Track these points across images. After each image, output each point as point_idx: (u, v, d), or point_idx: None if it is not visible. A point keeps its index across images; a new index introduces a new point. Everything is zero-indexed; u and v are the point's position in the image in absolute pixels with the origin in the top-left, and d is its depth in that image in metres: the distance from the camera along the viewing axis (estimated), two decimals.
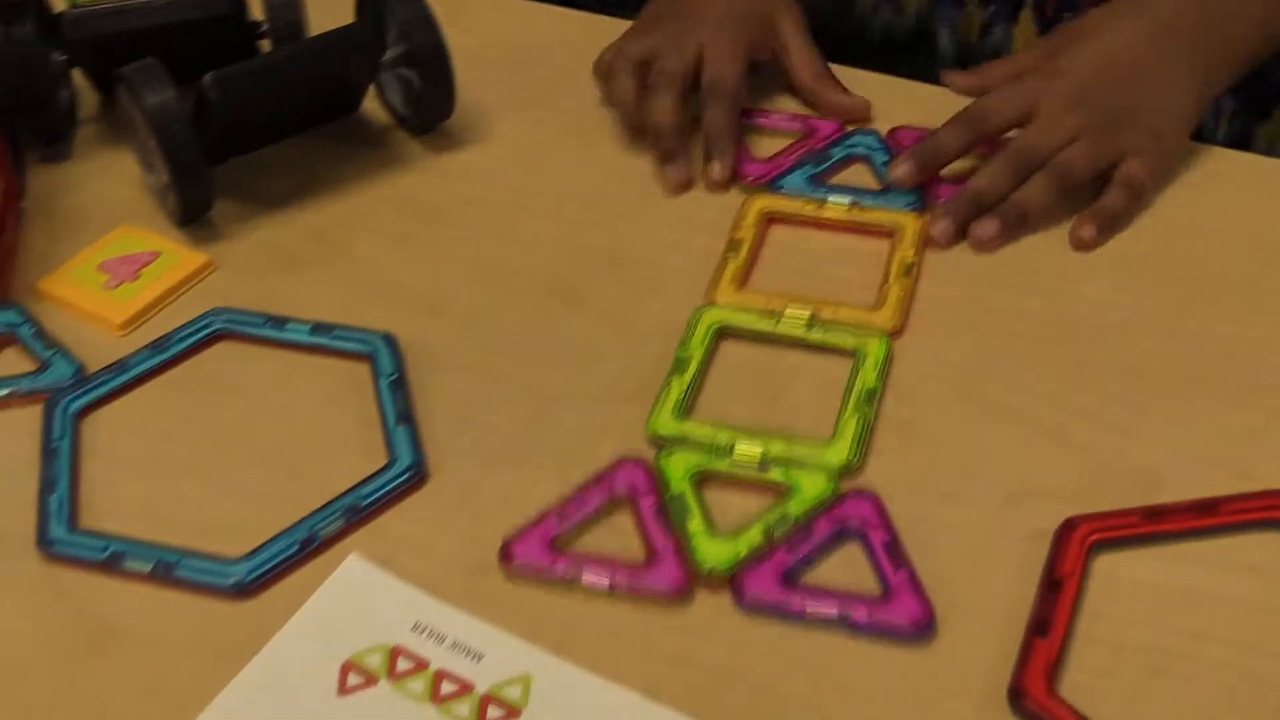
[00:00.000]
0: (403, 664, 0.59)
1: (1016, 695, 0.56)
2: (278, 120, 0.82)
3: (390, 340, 0.72)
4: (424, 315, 0.75)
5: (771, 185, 0.82)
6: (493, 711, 0.57)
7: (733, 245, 0.78)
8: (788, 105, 0.89)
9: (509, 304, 0.76)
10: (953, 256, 0.77)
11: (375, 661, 0.59)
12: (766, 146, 0.86)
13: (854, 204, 0.80)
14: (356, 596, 0.61)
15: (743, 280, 0.76)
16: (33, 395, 0.71)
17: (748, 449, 0.66)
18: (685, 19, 0.86)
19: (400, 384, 0.70)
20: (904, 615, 0.59)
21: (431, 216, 0.82)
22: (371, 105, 0.88)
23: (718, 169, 0.81)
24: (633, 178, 0.83)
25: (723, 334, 0.73)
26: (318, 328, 0.73)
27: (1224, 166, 0.82)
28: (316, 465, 0.67)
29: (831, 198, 0.80)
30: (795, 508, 0.64)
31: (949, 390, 0.70)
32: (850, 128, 0.86)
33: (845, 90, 0.87)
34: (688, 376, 0.70)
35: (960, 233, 0.77)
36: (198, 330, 0.74)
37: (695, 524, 0.63)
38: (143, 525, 0.64)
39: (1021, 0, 0.97)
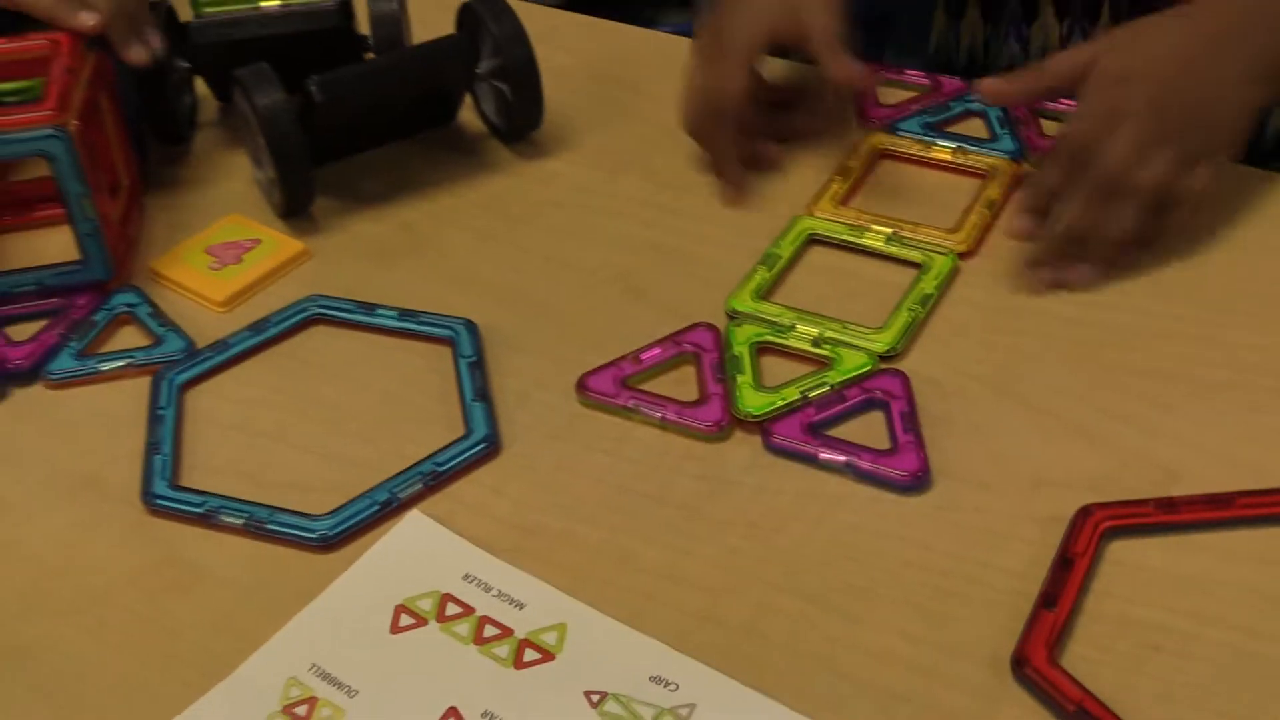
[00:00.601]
0: (451, 609, 0.64)
1: (1019, 663, 0.60)
2: (378, 124, 0.89)
3: (471, 325, 0.77)
4: (500, 303, 0.80)
5: (890, 127, 0.91)
6: (529, 654, 0.62)
7: (842, 170, 0.88)
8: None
9: (577, 295, 0.81)
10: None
11: (426, 605, 0.64)
12: (894, 96, 0.93)
13: (958, 148, 0.89)
14: (415, 548, 0.67)
15: (843, 200, 0.86)
16: (147, 367, 0.78)
17: (806, 328, 0.76)
18: (717, 41, 0.87)
19: (478, 365, 0.75)
20: (904, 467, 0.68)
21: (514, 216, 0.88)
22: (467, 116, 0.94)
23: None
24: (702, 187, 0.88)
25: (813, 240, 0.83)
26: (405, 314, 0.79)
27: (1262, 184, 0.85)
28: (397, 436, 0.73)
29: (940, 141, 0.90)
30: (833, 376, 0.73)
31: (985, 385, 0.73)
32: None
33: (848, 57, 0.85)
34: (773, 268, 0.81)
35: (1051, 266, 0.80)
36: (294, 314, 0.80)
37: (744, 378, 0.73)
38: (236, 485, 0.70)
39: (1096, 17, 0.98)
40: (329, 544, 0.67)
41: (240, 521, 0.68)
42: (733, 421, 0.72)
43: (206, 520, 0.68)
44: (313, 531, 0.67)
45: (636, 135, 0.94)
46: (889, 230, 0.82)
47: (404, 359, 0.78)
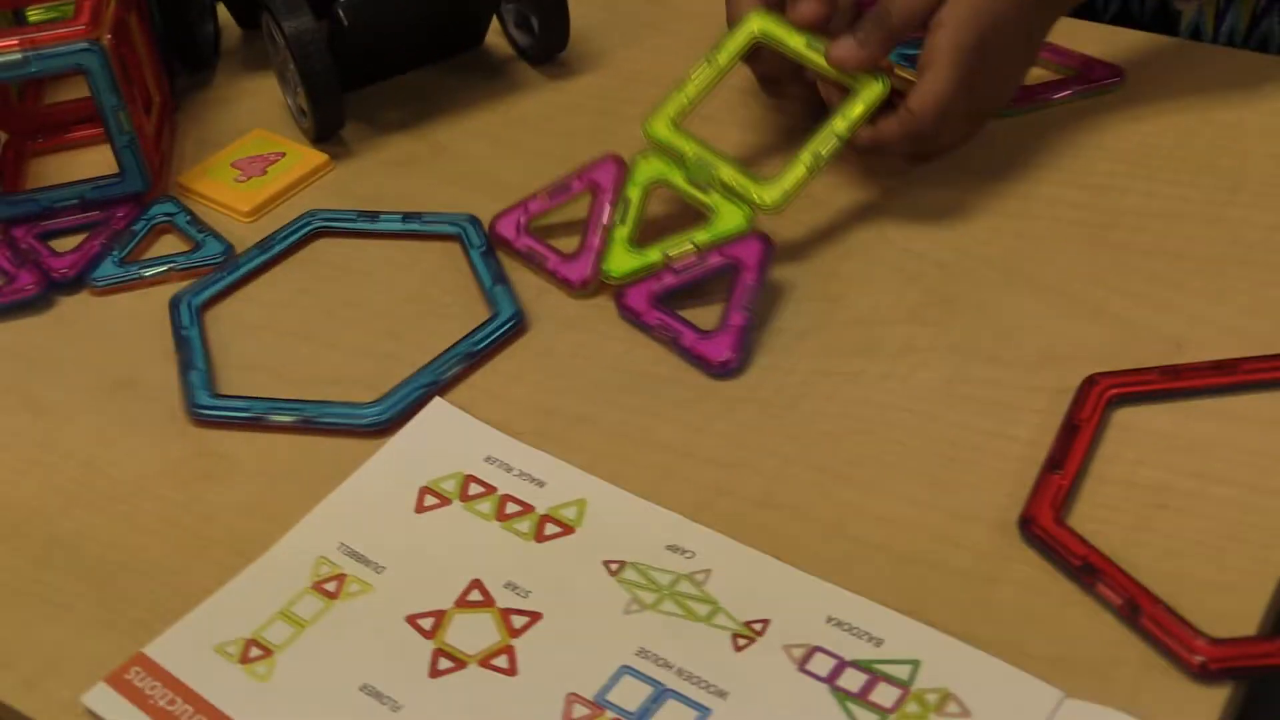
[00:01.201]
0: (473, 489, 0.66)
1: (1026, 522, 0.61)
2: (407, 48, 0.90)
3: (474, 220, 0.79)
4: (511, 201, 0.81)
5: None
6: (549, 528, 0.64)
7: None
8: None
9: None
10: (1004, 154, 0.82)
11: (450, 486, 0.66)
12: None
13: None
14: (437, 433, 0.69)
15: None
16: (189, 270, 0.80)
17: (701, 167, 0.74)
18: None
19: (491, 253, 0.77)
20: (715, 353, 0.69)
21: (533, 125, 0.89)
22: (494, 39, 0.95)
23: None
24: (722, 90, 0.89)
25: (759, 48, 0.77)
26: (409, 216, 0.81)
27: (1269, 68, 0.85)
28: (421, 329, 0.74)
29: None
30: (701, 236, 0.72)
31: (994, 268, 0.75)
32: None
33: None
34: (698, 82, 0.76)
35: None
36: (297, 229, 0.81)
37: (622, 229, 0.74)
38: (273, 386, 0.72)
39: None
40: (381, 428, 0.69)
41: (291, 419, 0.70)
42: (599, 283, 0.74)
43: (257, 423, 0.70)
44: (364, 418, 0.69)
45: (666, 49, 0.94)
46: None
47: (416, 258, 0.80)
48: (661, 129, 0.76)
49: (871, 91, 0.73)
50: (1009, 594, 0.59)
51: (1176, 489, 0.62)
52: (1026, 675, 0.55)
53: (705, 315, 0.72)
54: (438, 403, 0.70)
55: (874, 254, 0.77)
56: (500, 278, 0.75)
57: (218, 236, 0.81)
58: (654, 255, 0.73)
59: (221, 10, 0.98)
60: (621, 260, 0.73)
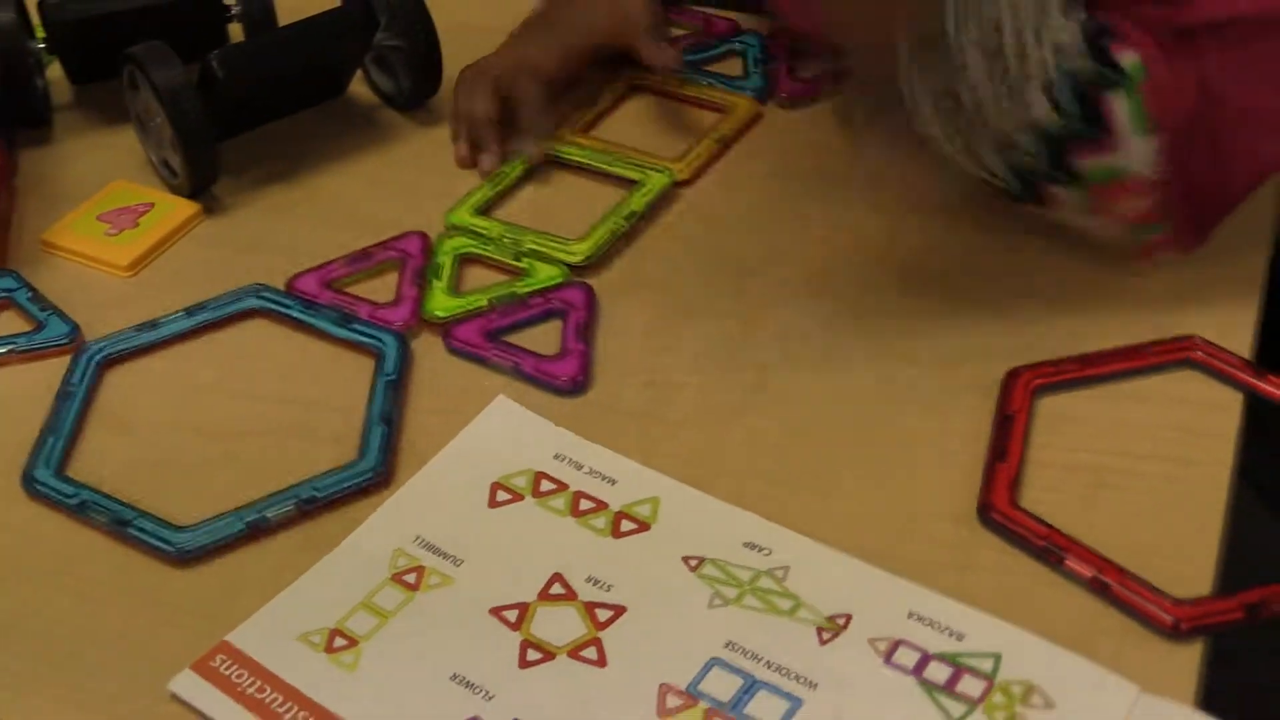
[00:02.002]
0: (545, 485, 0.67)
1: (985, 510, 0.64)
2: (276, 97, 0.88)
3: (402, 341, 0.74)
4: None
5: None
6: (625, 525, 0.65)
7: (590, 99, 0.92)
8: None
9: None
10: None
11: (521, 482, 0.67)
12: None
13: (708, 84, 0.92)
14: (503, 431, 0.69)
15: (587, 129, 0.90)
16: (30, 353, 0.75)
17: (509, 241, 0.79)
18: (533, 28, 0.92)
19: (397, 384, 0.71)
20: (564, 371, 0.72)
21: (410, 164, 0.89)
22: (355, 88, 0.94)
23: (524, 141, 0.86)
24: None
25: (551, 159, 0.87)
26: (344, 318, 0.76)
27: None
28: (297, 438, 0.70)
29: (694, 78, 0.93)
30: (522, 286, 0.77)
31: (890, 272, 0.78)
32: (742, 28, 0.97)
33: (663, 42, 0.92)
34: (497, 186, 0.84)
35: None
36: (233, 302, 0.77)
37: (439, 283, 0.77)
38: (129, 463, 0.69)
39: None
40: (184, 558, 0.64)
41: (104, 520, 0.65)
42: (422, 323, 0.75)
43: (75, 515, 0.66)
44: (170, 544, 0.64)
45: None
46: (615, 152, 0.86)
47: (344, 362, 0.75)
48: (463, 217, 0.82)
49: (658, 181, 0.83)
50: (983, 579, 0.62)
51: (1111, 468, 0.66)
52: (1104, 670, 0.57)
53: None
54: (502, 400, 0.71)
55: (778, 269, 0.79)
56: (386, 417, 0.69)
57: (62, 315, 0.77)
58: (477, 300, 0.76)
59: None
60: (443, 303, 0.76)
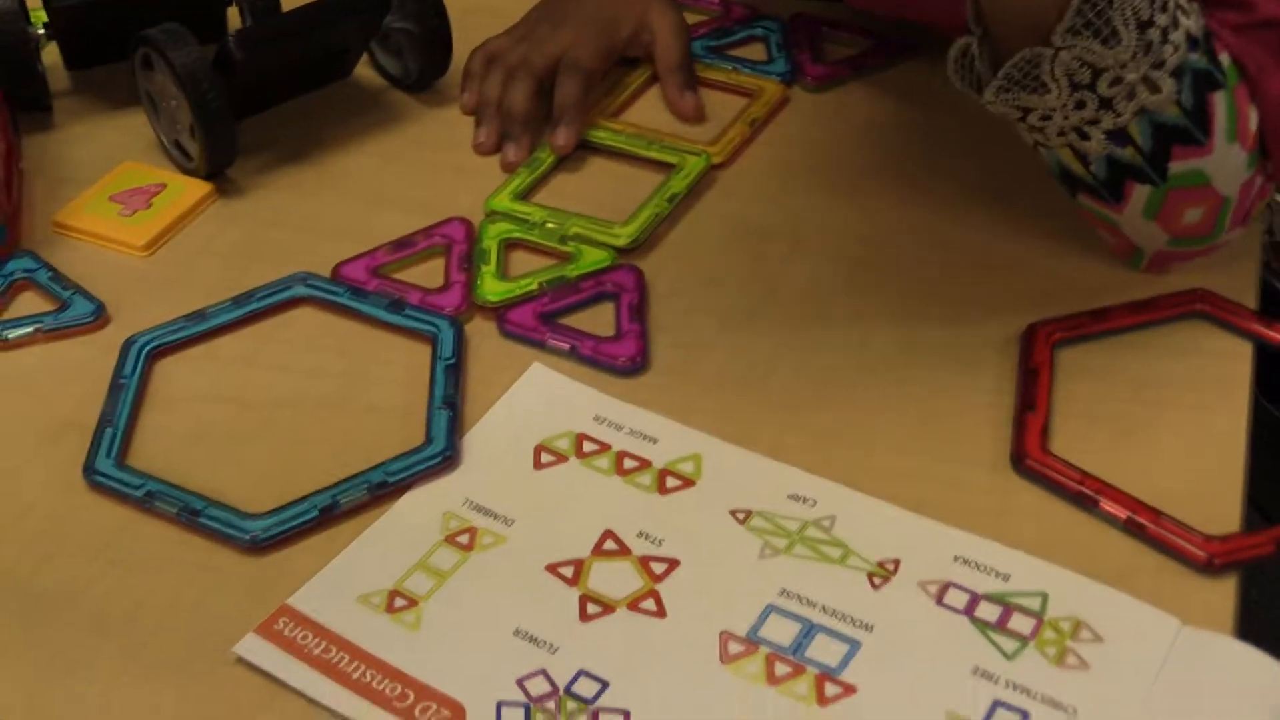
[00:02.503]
0: (588, 446, 0.68)
1: (1019, 458, 0.66)
2: (289, 80, 0.88)
3: (456, 325, 0.74)
4: (417, 214, 0.82)
5: None
6: (670, 481, 0.66)
7: (618, 86, 0.92)
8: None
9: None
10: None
11: (564, 444, 0.68)
12: (689, 19, 0.96)
13: (733, 69, 0.93)
14: (541, 396, 0.71)
15: (615, 114, 0.90)
16: (57, 331, 0.75)
17: (553, 225, 0.80)
18: (556, 21, 0.91)
19: (455, 367, 0.72)
20: (623, 353, 0.72)
21: (426, 142, 0.89)
22: (361, 71, 0.94)
23: (562, 135, 0.86)
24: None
25: (581, 145, 0.87)
26: (395, 305, 0.75)
27: None
28: (359, 427, 0.70)
29: (718, 63, 0.94)
30: (571, 270, 0.77)
31: (911, 236, 0.80)
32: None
33: (689, 90, 0.90)
34: (535, 170, 0.85)
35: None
36: (279, 290, 0.77)
37: (488, 268, 0.77)
38: (187, 456, 0.69)
39: None
40: (258, 546, 0.64)
41: (173, 510, 0.65)
42: (473, 308, 0.76)
43: (141, 506, 0.66)
44: (244, 532, 0.64)
45: None
46: (649, 135, 0.87)
47: (393, 347, 0.75)
48: (504, 202, 0.82)
49: (696, 164, 0.84)
50: (1021, 524, 0.64)
51: (1134, 416, 0.69)
52: (1146, 605, 0.59)
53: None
54: (538, 367, 0.72)
55: (800, 236, 0.81)
56: (449, 401, 0.70)
57: (86, 294, 0.77)
58: (528, 284, 0.76)
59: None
60: (494, 287, 0.76)
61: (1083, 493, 0.64)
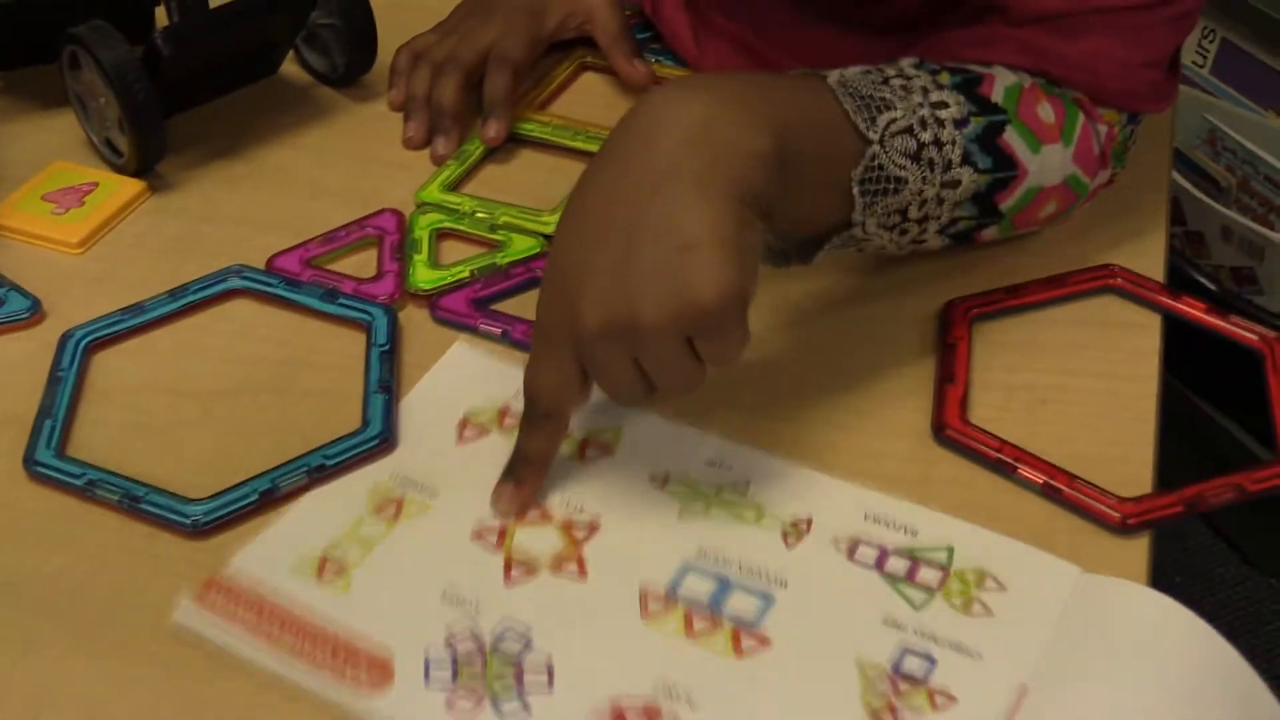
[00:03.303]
0: (509, 421, 0.70)
1: (939, 428, 0.69)
2: (217, 76, 0.89)
3: (389, 312, 0.75)
4: (350, 205, 0.83)
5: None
6: (591, 452, 0.69)
7: (546, 77, 0.94)
8: None
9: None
10: None
11: (486, 419, 0.70)
12: None
13: (656, 62, 0.95)
14: (464, 372, 0.73)
15: (544, 105, 0.93)
16: None
17: (483, 214, 0.82)
18: (484, 14, 0.92)
19: (390, 353, 0.73)
20: None
21: (354, 134, 0.91)
22: (286, 67, 0.95)
23: (492, 128, 0.87)
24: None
25: (511, 138, 0.89)
26: (329, 294, 0.76)
27: None
28: (295, 411, 0.73)
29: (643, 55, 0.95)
30: (502, 258, 0.79)
31: None
32: None
33: (636, 58, 0.93)
34: (464, 162, 0.86)
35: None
36: (214, 283, 0.77)
37: (420, 257, 0.79)
38: (129, 446, 0.69)
39: None
40: (200, 530, 0.65)
41: (115, 497, 0.66)
42: (406, 296, 0.77)
43: (83, 494, 0.66)
44: (186, 516, 0.65)
45: None
46: (577, 128, 0.89)
47: (329, 334, 0.76)
48: (434, 194, 0.84)
49: None
50: (942, 491, 0.66)
51: (1049, 386, 0.72)
52: (1047, 554, 0.63)
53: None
54: (460, 345, 0.74)
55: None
56: (385, 385, 0.71)
57: (21, 291, 0.77)
58: (460, 271, 0.78)
59: None
60: (426, 275, 0.78)
61: (1001, 460, 0.67)
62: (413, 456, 0.68)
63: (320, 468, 0.67)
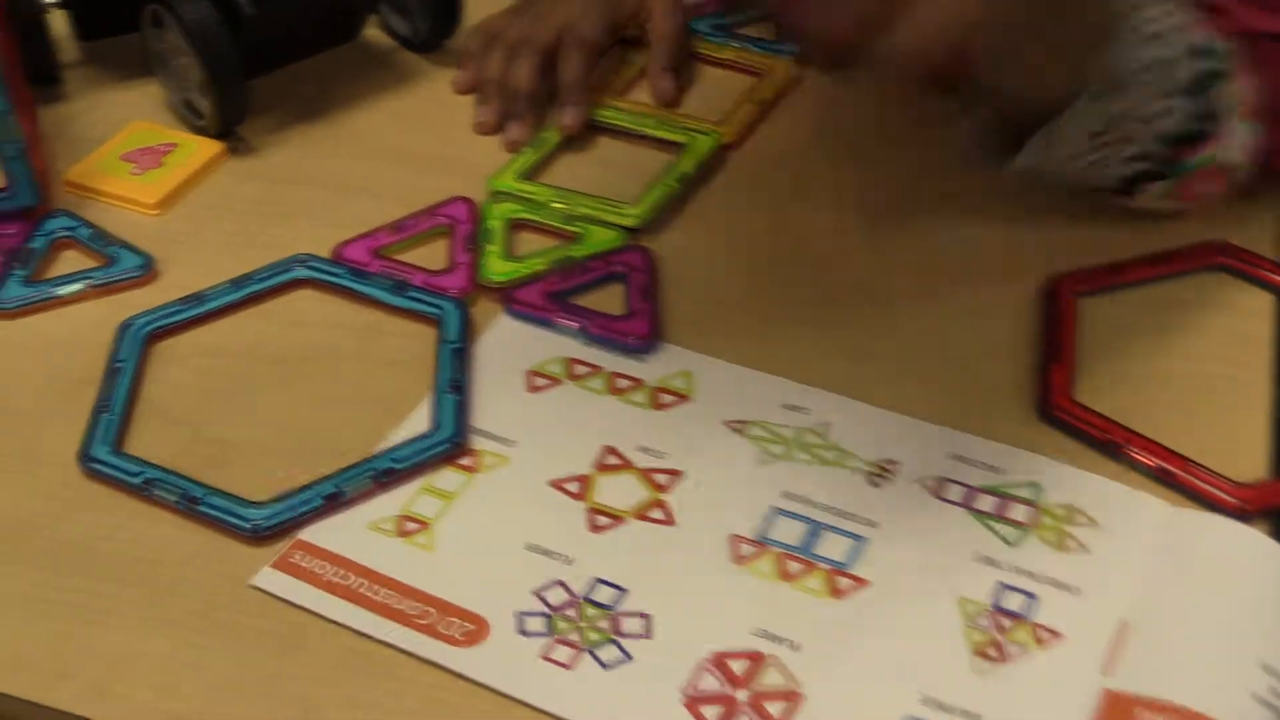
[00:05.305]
0: (579, 369, 0.69)
1: (1046, 407, 0.66)
2: (298, 38, 0.87)
3: (461, 306, 0.72)
4: (431, 171, 0.82)
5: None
6: (665, 398, 0.68)
7: (624, 64, 0.91)
8: None
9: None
10: None
11: (556, 369, 0.69)
12: None
13: (742, 48, 0.92)
14: (523, 333, 0.71)
15: (622, 92, 0.89)
16: (108, 286, 0.74)
17: (560, 205, 0.79)
18: None
19: (461, 351, 0.70)
20: (633, 331, 0.71)
21: (432, 99, 0.89)
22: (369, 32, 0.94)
23: (570, 114, 0.84)
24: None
25: (589, 124, 0.85)
26: (400, 287, 0.74)
27: None
28: (366, 413, 0.67)
29: (727, 41, 0.92)
30: (578, 250, 0.76)
31: (931, 198, 0.80)
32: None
33: (668, 71, 0.89)
34: (540, 150, 0.83)
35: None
36: (278, 273, 0.75)
37: (493, 248, 0.76)
38: (184, 445, 0.66)
39: None
40: (260, 535, 0.62)
41: (173, 498, 0.63)
42: (478, 288, 0.74)
43: (140, 493, 0.64)
44: (245, 520, 0.62)
45: None
46: (657, 115, 0.86)
47: (396, 329, 0.73)
48: (508, 182, 0.80)
49: (705, 144, 0.82)
50: None
51: (1155, 368, 0.69)
52: (1134, 490, 0.62)
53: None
54: (506, 319, 0.72)
55: (816, 206, 0.80)
56: (456, 385, 0.68)
57: (133, 249, 0.76)
58: (535, 264, 0.75)
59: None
60: (500, 267, 0.75)
61: (1110, 440, 0.64)
62: (483, 407, 0.67)
63: (388, 471, 0.64)
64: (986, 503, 0.62)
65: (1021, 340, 0.70)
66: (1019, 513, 0.61)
